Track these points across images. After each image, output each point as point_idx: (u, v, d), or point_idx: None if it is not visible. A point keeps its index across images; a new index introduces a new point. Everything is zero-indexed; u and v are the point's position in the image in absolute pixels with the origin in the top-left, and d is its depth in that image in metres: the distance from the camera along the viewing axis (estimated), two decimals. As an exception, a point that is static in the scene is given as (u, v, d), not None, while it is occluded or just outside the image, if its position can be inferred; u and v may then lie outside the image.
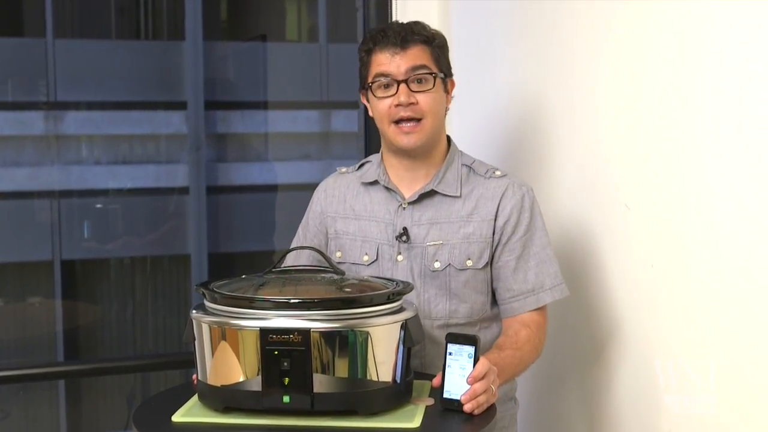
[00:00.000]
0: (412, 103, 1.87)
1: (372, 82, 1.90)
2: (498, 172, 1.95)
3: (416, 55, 1.88)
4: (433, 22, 2.04)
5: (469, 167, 1.96)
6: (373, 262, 1.94)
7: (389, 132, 1.91)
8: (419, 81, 1.88)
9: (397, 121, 1.89)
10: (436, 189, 1.93)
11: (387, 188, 1.96)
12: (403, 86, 1.87)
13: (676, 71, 1.77)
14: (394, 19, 2.65)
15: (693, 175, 1.73)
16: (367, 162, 2.05)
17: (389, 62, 1.88)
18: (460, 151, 1.99)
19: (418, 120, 1.88)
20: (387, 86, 1.89)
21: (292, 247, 2.05)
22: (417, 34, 1.89)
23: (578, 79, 2.12)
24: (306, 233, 2.06)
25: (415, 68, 1.87)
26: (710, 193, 1.68)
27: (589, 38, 2.07)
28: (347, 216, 1.99)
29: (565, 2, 2.16)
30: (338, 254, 1.99)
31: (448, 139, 2.00)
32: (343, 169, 2.07)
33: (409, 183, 1.96)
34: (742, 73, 1.59)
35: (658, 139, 1.83)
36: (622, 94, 1.95)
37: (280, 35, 5.56)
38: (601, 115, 2.03)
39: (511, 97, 2.41)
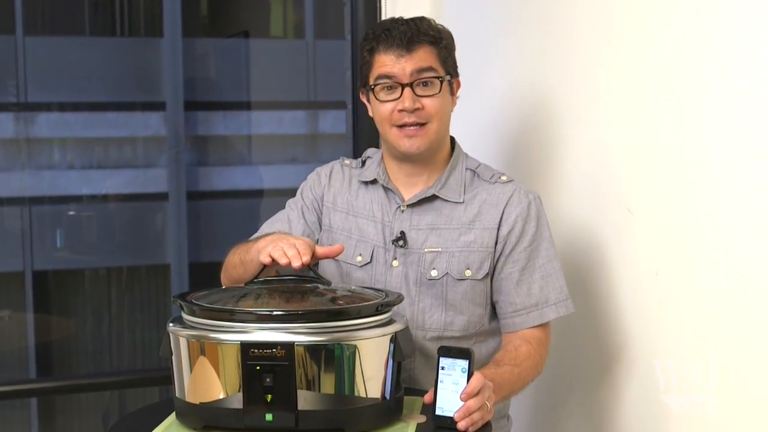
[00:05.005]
0: (417, 109, 1.86)
1: (375, 84, 1.89)
2: (504, 177, 1.93)
3: (422, 58, 1.86)
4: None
5: (474, 171, 1.95)
6: (366, 264, 1.94)
7: (390, 135, 1.90)
8: (425, 84, 1.86)
9: (401, 126, 1.88)
10: (437, 194, 1.92)
11: (386, 188, 1.97)
12: (407, 90, 1.85)
13: (681, 70, 1.77)
14: (383, 14, 2.65)
15: (696, 178, 1.73)
16: (368, 158, 2.04)
17: (394, 64, 1.86)
18: (465, 154, 1.98)
19: (423, 124, 1.87)
20: (390, 88, 1.87)
21: (272, 218, 2.04)
22: (424, 34, 1.86)
23: (579, 77, 2.12)
24: (302, 212, 2.02)
25: (421, 71, 1.85)
26: (712, 196, 1.69)
27: (590, 34, 2.07)
28: (344, 210, 1.99)
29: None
30: None
31: (453, 141, 1.99)
32: (347, 161, 2.06)
33: (410, 185, 1.95)
34: (749, 76, 1.60)
35: (662, 139, 1.83)
36: (625, 93, 1.95)
37: (264, 31, 5.56)
38: (603, 115, 2.03)
39: (508, 95, 2.41)
